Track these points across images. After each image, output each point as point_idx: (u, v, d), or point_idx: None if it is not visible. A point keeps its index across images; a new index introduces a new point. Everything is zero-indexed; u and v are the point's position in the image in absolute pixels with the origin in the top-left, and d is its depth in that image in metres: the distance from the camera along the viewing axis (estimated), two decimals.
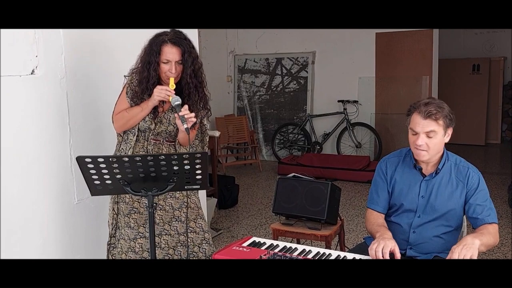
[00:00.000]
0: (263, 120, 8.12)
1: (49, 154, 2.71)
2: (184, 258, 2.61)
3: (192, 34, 3.60)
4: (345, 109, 7.23)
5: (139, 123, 2.51)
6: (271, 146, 7.86)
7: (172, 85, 2.40)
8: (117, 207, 2.60)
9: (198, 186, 2.15)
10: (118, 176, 2.00)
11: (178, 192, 2.58)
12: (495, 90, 8.70)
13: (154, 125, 2.52)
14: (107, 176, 2.00)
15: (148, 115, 2.49)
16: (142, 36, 2.72)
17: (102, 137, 2.99)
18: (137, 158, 1.96)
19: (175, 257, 2.61)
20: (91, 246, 2.99)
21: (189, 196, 2.63)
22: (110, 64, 3.03)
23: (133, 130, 2.53)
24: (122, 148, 2.56)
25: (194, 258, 2.64)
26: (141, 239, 2.57)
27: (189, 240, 2.62)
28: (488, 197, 2.27)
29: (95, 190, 2.07)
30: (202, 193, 3.41)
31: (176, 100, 2.38)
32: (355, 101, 7.29)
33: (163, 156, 1.97)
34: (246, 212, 5.28)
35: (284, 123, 7.83)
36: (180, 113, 2.35)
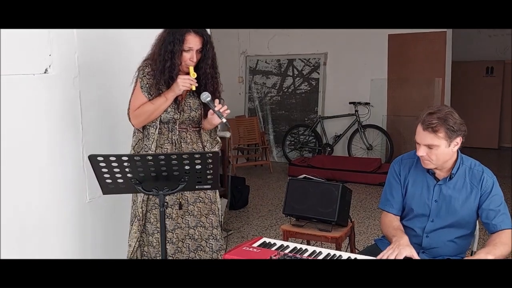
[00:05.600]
0: (274, 121, 8.11)
1: (61, 152, 2.73)
2: (192, 250, 2.63)
3: None
4: (356, 111, 7.20)
5: (160, 115, 2.50)
6: (281, 148, 7.85)
7: (193, 73, 2.43)
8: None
9: (209, 186, 2.15)
10: (130, 175, 2.01)
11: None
12: (509, 93, 8.58)
13: (178, 114, 2.52)
14: (118, 175, 2.01)
15: (169, 105, 2.49)
16: (155, 35, 2.73)
17: (115, 136, 3.01)
18: (149, 158, 1.97)
19: (184, 249, 2.62)
20: (103, 245, 3.01)
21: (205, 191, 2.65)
22: (123, 64, 3.04)
23: (154, 124, 2.51)
24: (145, 144, 2.53)
25: (201, 252, 2.65)
26: (158, 234, 2.56)
27: (197, 234, 2.62)
28: (503, 202, 2.21)
29: (106, 189, 2.08)
30: None
31: (207, 97, 2.43)
32: (367, 103, 7.25)
33: (174, 156, 1.98)
34: (256, 213, 5.28)
35: (295, 124, 7.82)
36: (216, 109, 2.42)
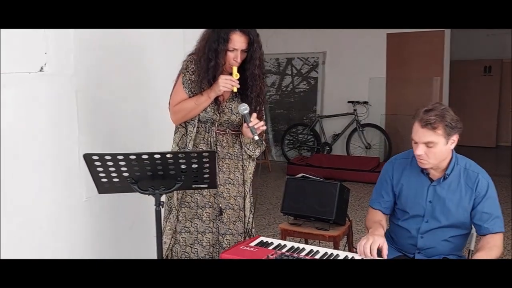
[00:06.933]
0: (273, 120, 8.10)
1: (57, 151, 2.71)
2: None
3: None
4: (355, 110, 7.20)
5: (199, 114, 2.42)
6: (280, 147, 7.85)
7: (236, 74, 2.33)
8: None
9: (206, 185, 2.14)
10: (126, 174, 1.99)
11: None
12: (507, 92, 8.60)
13: (218, 115, 2.44)
14: (114, 174, 1.99)
15: (209, 105, 2.41)
16: (152, 34, 2.71)
17: (111, 135, 3.00)
18: (145, 157, 1.95)
19: (215, 255, 2.55)
20: (99, 244, 2.99)
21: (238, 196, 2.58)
22: (120, 62, 3.03)
23: (193, 122, 2.44)
24: (185, 141, 2.47)
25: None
26: (186, 233, 2.52)
27: (225, 243, 2.55)
28: (497, 205, 2.21)
29: (102, 188, 2.06)
30: None
31: (245, 109, 2.32)
32: (365, 102, 7.25)
33: (170, 155, 1.96)
34: (254, 212, 5.25)
35: (294, 123, 7.81)
36: (250, 124, 2.30)
